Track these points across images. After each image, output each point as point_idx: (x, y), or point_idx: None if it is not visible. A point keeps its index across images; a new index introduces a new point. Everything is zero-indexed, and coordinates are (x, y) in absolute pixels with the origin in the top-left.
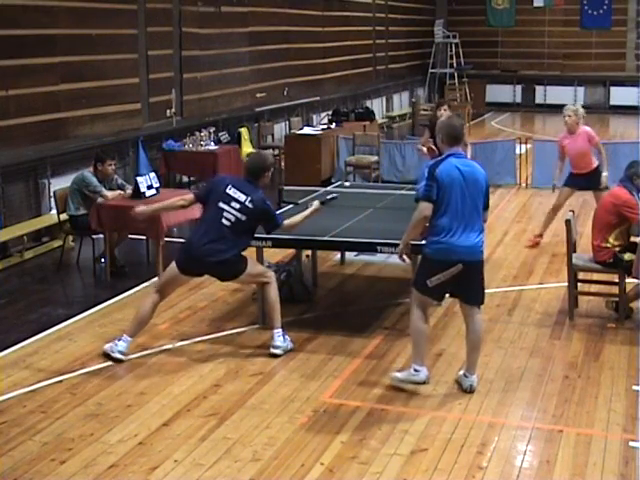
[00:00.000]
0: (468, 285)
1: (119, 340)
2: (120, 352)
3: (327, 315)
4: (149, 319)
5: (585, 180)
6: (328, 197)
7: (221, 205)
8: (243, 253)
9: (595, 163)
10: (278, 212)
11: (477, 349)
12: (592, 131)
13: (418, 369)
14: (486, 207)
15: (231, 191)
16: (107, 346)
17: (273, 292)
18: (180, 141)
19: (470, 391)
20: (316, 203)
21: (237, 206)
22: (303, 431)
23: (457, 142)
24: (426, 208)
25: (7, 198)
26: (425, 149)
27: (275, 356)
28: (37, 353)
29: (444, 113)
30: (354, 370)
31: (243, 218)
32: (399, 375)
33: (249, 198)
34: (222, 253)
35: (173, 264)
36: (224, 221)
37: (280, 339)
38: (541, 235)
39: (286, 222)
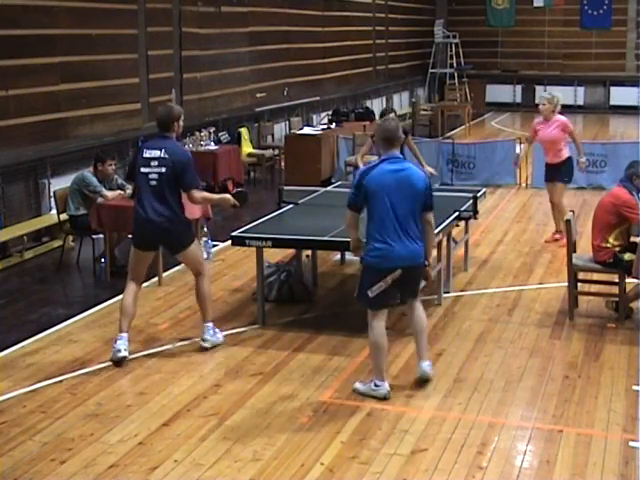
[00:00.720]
0: (409, 287)
1: (115, 342)
2: (122, 350)
3: (327, 315)
4: (133, 310)
5: (554, 171)
6: (237, 190)
7: (143, 170)
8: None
9: (566, 154)
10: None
11: (422, 334)
12: (568, 120)
13: (379, 384)
14: (428, 209)
15: (147, 153)
16: (111, 354)
17: (206, 285)
18: (180, 141)
19: (425, 378)
20: (227, 195)
21: (155, 163)
22: (303, 431)
23: (392, 144)
24: (352, 216)
25: (7, 198)
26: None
27: (204, 349)
28: (37, 353)
29: None
30: (354, 370)
31: (163, 170)
32: (360, 387)
33: (163, 150)
34: (165, 215)
35: (132, 248)
36: (152, 182)
37: (210, 332)
38: (560, 231)
39: (201, 193)
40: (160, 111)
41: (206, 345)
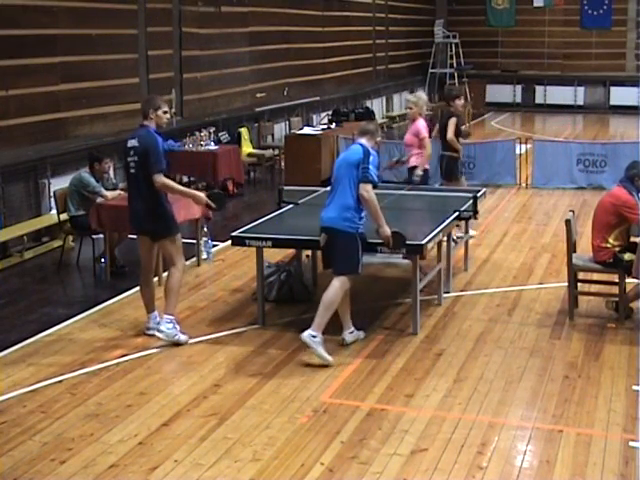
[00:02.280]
0: (331, 252)
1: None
2: (149, 330)
3: None
4: (149, 293)
5: (408, 175)
6: (213, 191)
7: (127, 159)
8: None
9: (414, 162)
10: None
11: (324, 309)
12: (423, 127)
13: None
14: (361, 181)
15: (128, 144)
16: (161, 335)
17: (176, 278)
18: (180, 141)
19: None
20: (201, 194)
21: (132, 152)
22: (303, 431)
23: (360, 134)
24: None
25: (7, 198)
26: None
27: (155, 337)
28: (37, 353)
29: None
30: (354, 370)
31: (137, 158)
32: (348, 338)
33: (136, 139)
34: (142, 202)
35: None
36: (132, 171)
37: (168, 325)
38: None
39: (165, 179)
40: (143, 102)
41: (160, 336)
